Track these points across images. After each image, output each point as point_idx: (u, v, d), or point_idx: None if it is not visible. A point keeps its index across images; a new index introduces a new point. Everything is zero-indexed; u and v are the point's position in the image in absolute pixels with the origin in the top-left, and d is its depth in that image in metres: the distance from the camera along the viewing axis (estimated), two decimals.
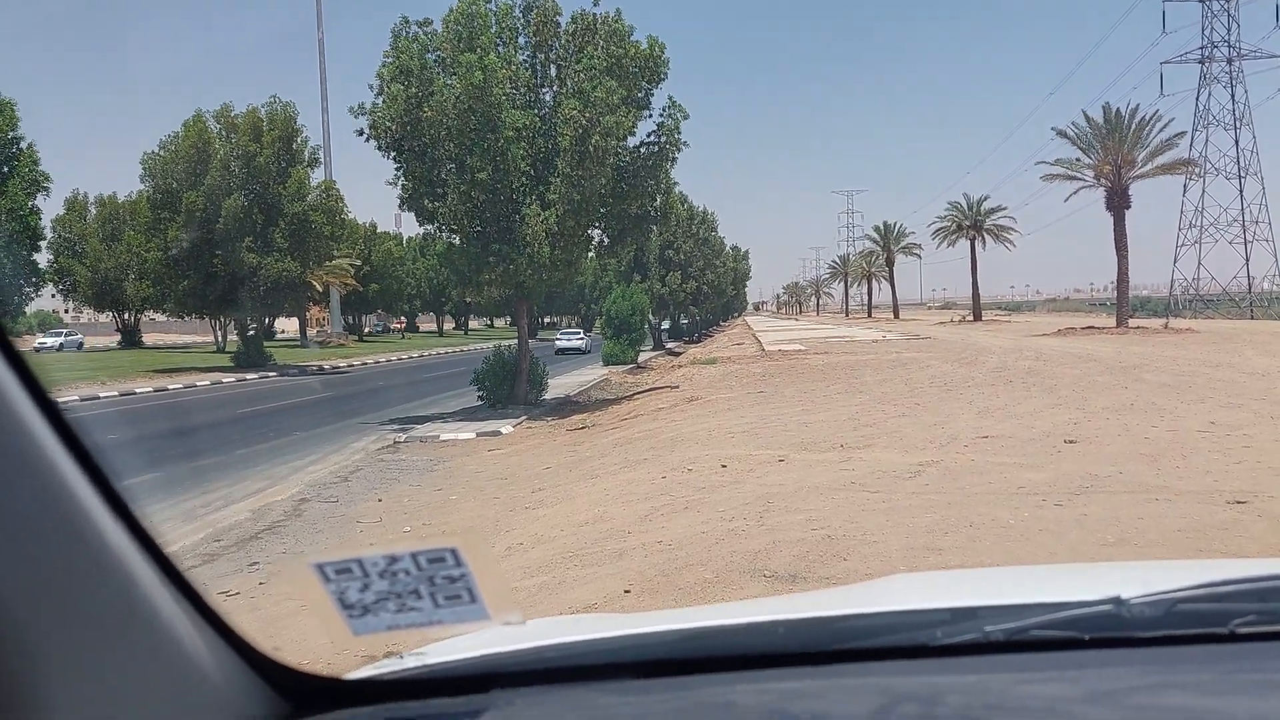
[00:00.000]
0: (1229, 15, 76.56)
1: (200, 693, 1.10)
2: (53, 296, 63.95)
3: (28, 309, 52.43)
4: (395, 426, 18.51)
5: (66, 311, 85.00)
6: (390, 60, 18.48)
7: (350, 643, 1.17)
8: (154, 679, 1.05)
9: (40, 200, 34.79)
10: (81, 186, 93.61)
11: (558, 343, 50.17)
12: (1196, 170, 63.86)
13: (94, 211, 57.31)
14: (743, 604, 2.75)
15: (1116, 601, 1.42)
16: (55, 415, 0.98)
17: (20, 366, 0.96)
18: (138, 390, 28.35)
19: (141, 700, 1.04)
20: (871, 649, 1.44)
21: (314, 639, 5.05)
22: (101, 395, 26.54)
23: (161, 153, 35.47)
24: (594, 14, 19.28)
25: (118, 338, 60.83)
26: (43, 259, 45.79)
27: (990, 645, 1.41)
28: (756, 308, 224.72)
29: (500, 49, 18.72)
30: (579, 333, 52.36)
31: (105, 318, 67.19)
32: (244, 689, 1.18)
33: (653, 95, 19.61)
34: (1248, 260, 77.31)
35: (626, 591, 6.07)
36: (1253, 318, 65.44)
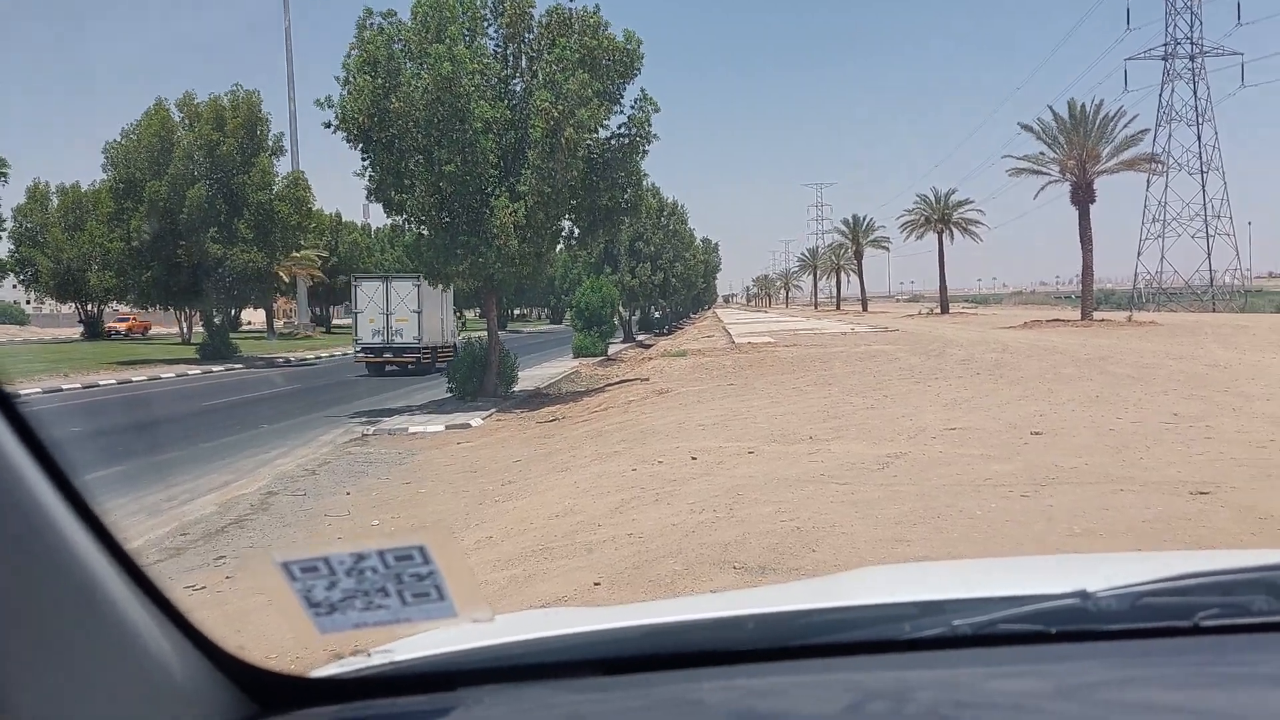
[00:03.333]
0: (1192, 13, 77.81)
1: (164, 692, 1.08)
2: (14, 287, 62.99)
3: None
4: (363, 419, 18.40)
5: (29, 303, 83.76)
6: (356, 51, 18.31)
7: (317, 639, 1.15)
8: (116, 678, 1.03)
9: None
10: (43, 175, 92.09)
11: None
12: (1160, 166, 64.80)
13: (56, 201, 56.39)
14: (711, 597, 2.75)
15: (1082, 595, 1.43)
16: (10, 409, 0.96)
17: None
18: (101, 382, 27.99)
19: (104, 700, 1.02)
20: (840, 643, 1.44)
21: (280, 634, 5.01)
22: (64, 387, 26.18)
23: (123, 142, 34.99)
24: (569, 9, 19.18)
25: (81, 329, 59.99)
26: (3, 249, 45.08)
27: (958, 639, 1.41)
28: (726, 300, 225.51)
29: (468, 40, 18.58)
30: None
31: (68, 309, 66.20)
32: (208, 688, 1.16)
33: (625, 89, 19.57)
34: (1209, 254, 78.74)
35: (596, 584, 6.07)
36: (1214, 310, 66.49)
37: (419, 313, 27.63)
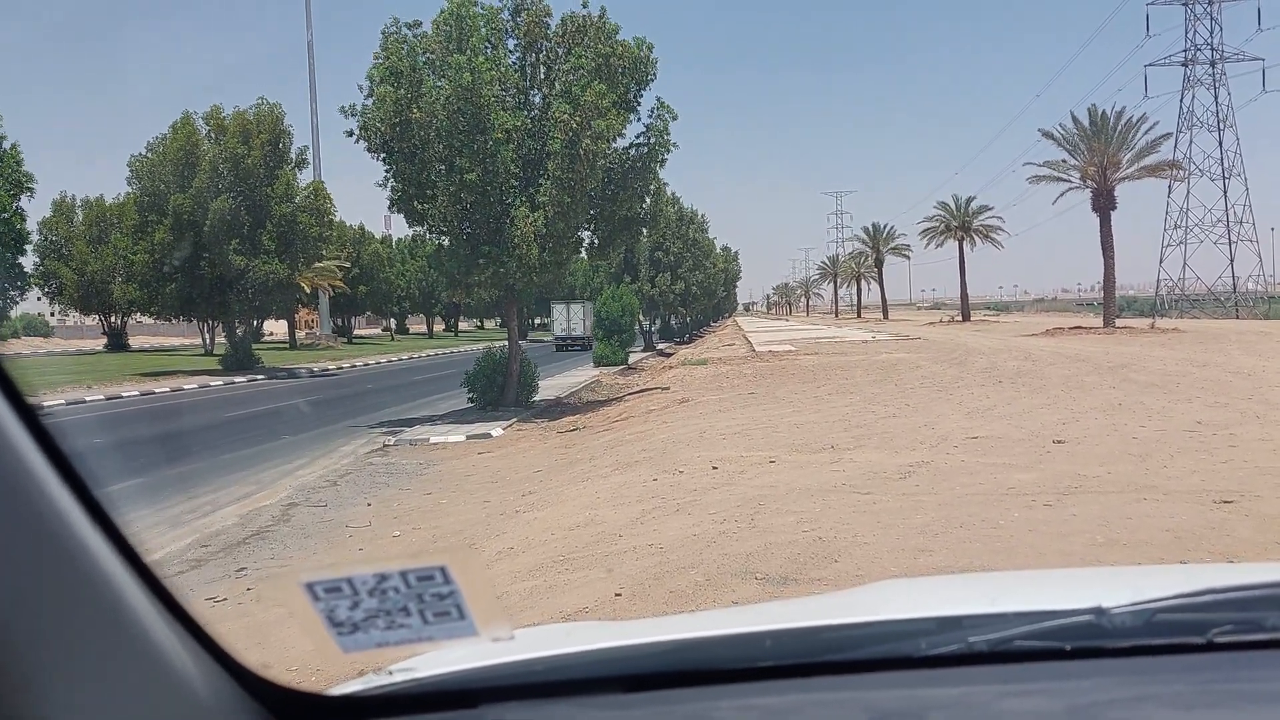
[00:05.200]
0: (1212, 18, 77.24)
1: (187, 708, 1.09)
2: (38, 300, 63.61)
3: (13, 313, 52.19)
4: (384, 429, 18.47)
5: (53, 314, 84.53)
6: (380, 61, 18.44)
7: (341, 657, 1.16)
8: (139, 694, 1.04)
9: (25, 202, 34.58)
10: (69, 189, 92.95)
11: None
12: (1181, 172, 64.17)
13: (81, 214, 56.97)
14: (731, 612, 2.75)
15: (1098, 611, 1.44)
16: (34, 421, 0.97)
17: None
18: (124, 394, 28.22)
19: (127, 716, 1.02)
20: (858, 660, 1.44)
21: (301, 646, 5.03)
22: (88, 399, 26.42)
23: (149, 155, 35.29)
24: (584, 15, 19.29)
25: (104, 341, 60.52)
26: (28, 262, 45.49)
27: (975, 656, 1.41)
28: (746, 308, 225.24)
29: (489, 51, 18.68)
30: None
31: (92, 321, 66.80)
32: (230, 705, 1.16)
33: (641, 97, 19.62)
34: (1232, 260, 78.02)
35: (618, 595, 6.06)
36: (1238, 317, 65.92)
37: (584, 320, 49.58)
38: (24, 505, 0.93)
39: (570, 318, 52.02)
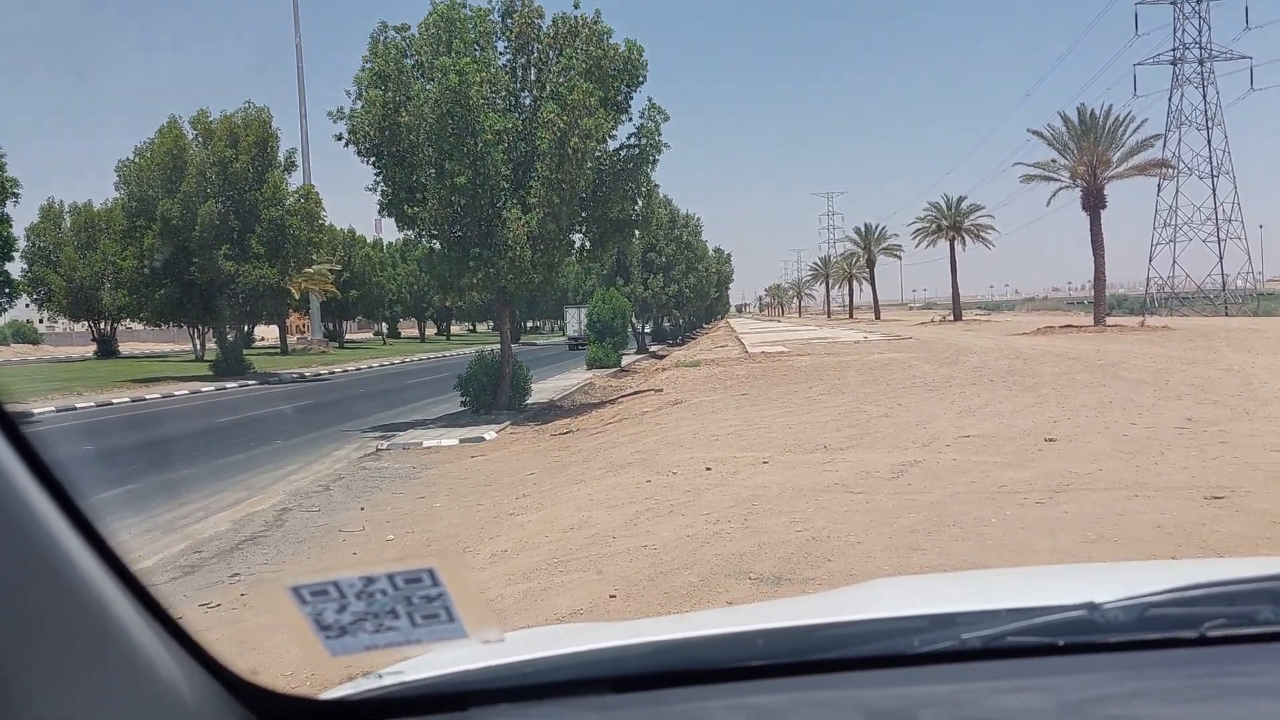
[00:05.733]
0: (1200, 17, 77.61)
1: (173, 714, 1.08)
2: (27, 307, 63.35)
3: (2, 320, 51.98)
4: (377, 433, 18.42)
5: (41, 321, 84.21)
6: (369, 65, 18.42)
7: (329, 659, 1.15)
8: (125, 702, 1.03)
9: (10, 207, 34.41)
10: (57, 195, 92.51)
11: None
12: (1170, 170, 64.35)
13: (69, 220, 56.83)
14: (722, 612, 2.75)
15: (1090, 606, 1.44)
16: (13, 430, 0.96)
17: None
18: (115, 400, 28.12)
19: None
20: (850, 659, 1.44)
21: (295, 651, 5.01)
22: (78, 406, 26.30)
23: (137, 160, 35.17)
24: (575, 16, 19.28)
25: (94, 348, 60.32)
26: (16, 269, 45.31)
27: (967, 652, 1.41)
28: (739, 310, 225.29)
29: (478, 53, 18.65)
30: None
31: (81, 327, 66.59)
32: (218, 711, 1.16)
33: (632, 98, 19.61)
34: (1221, 258, 78.38)
35: (612, 597, 6.06)
36: (1227, 314, 66.18)
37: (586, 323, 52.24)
38: (4, 515, 0.92)
39: (581, 320, 57.04)
